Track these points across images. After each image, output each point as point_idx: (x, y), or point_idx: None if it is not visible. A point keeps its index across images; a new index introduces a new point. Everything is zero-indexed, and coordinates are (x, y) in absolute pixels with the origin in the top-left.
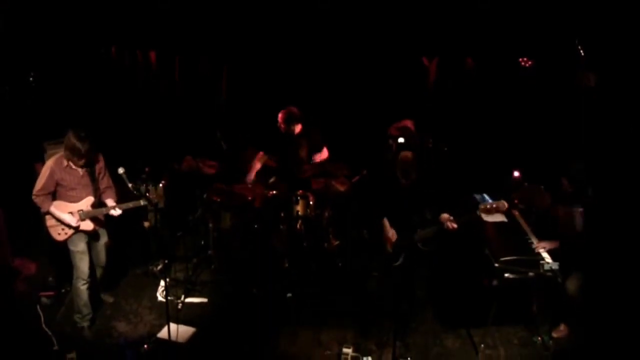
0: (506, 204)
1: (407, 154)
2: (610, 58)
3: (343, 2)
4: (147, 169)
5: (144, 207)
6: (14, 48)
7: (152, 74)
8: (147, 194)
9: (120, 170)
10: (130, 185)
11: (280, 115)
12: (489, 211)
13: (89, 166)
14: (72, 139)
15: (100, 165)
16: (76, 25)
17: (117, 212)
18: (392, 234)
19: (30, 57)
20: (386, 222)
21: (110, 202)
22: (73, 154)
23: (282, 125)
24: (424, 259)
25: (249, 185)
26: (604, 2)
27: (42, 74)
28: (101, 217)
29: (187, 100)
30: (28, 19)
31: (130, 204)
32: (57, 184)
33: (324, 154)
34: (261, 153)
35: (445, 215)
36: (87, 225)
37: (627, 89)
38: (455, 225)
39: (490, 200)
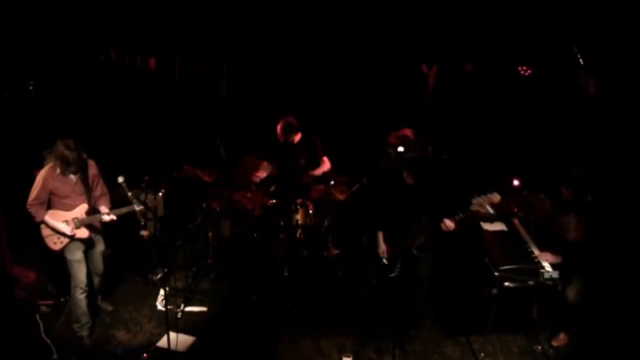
0: (499, 196)
1: (412, 153)
2: (610, 65)
3: (343, 6)
4: (146, 178)
5: (144, 215)
6: (13, 55)
7: (151, 78)
8: (146, 202)
9: (120, 179)
10: (129, 193)
11: (278, 126)
12: (483, 205)
13: (80, 172)
14: (60, 147)
15: (94, 172)
16: (75, 29)
17: (110, 217)
18: (383, 249)
19: (29, 64)
20: (380, 236)
21: (103, 209)
22: (63, 162)
23: (282, 137)
24: (420, 266)
25: (254, 181)
26: (603, 9)
27: (41, 80)
28: (97, 225)
29: (187, 105)
30: (26, 25)
31: (124, 209)
32: (51, 193)
33: (326, 165)
34: (265, 162)
35: (447, 220)
36: (82, 233)
37: (627, 96)
38: (452, 225)
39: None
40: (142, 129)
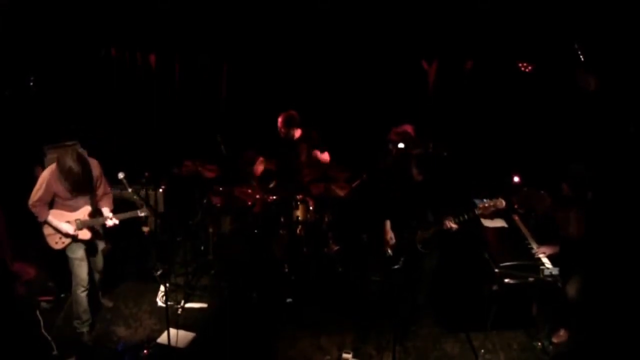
0: (504, 202)
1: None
2: (610, 61)
3: (343, 3)
4: (146, 174)
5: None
6: (14, 52)
7: (151, 76)
8: (147, 199)
9: (121, 175)
10: (130, 190)
11: (280, 119)
12: (487, 209)
13: (81, 191)
14: (67, 162)
15: (97, 173)
16: (76, 27)
17: (113, 222)
18: (390, 236)
19: (29, 61)
20: (387, 225)
21: (106, 210)
22: (67, 177)
23: (282, 130)
24: (424, 261)
25: (253, 183)
26: (604, 5)
27: (42, 77)
28: (98, 228)
29: (187, 102)
30: (27, 22)
31: (127, 214)
32: (54, 194)
33: (326, 156)
34: (261, 158)
35: (448, 219)
36: (85, 235)
37: (627, 92)
38: (454, 225)
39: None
40: (142, 128)
